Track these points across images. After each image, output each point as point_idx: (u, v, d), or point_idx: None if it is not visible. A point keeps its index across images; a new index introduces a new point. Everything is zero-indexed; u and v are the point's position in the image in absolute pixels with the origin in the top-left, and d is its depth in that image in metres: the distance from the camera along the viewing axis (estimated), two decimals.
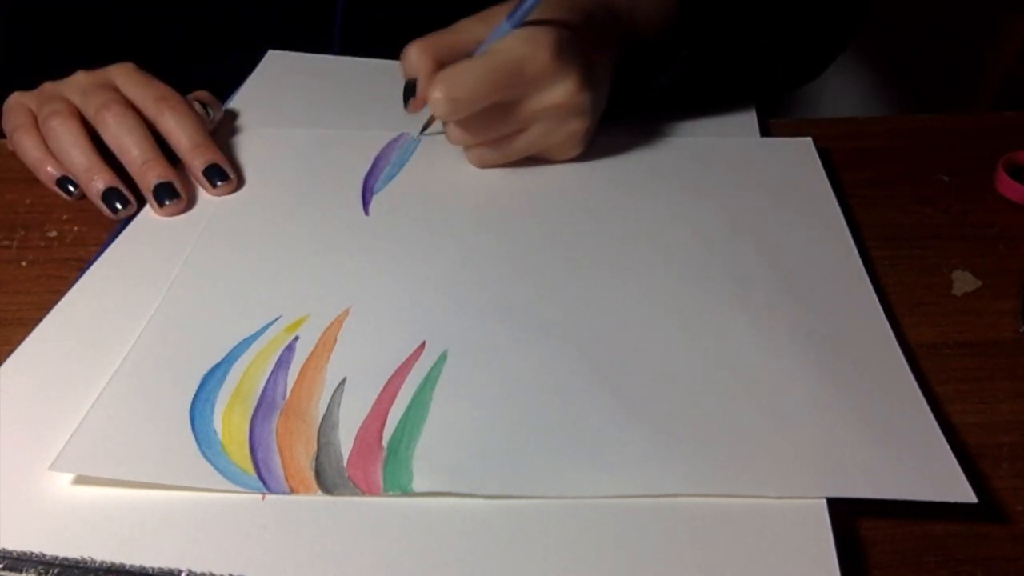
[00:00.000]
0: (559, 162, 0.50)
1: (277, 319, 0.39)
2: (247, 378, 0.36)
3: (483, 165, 0.49)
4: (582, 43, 0.46)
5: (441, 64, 0.45)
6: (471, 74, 0.44)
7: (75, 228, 0.47)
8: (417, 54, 0.46)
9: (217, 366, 0.36)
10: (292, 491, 0.31)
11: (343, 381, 0.36)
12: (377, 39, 0.60)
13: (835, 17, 0.60)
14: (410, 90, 0.47)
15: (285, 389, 0.35)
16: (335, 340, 0.38)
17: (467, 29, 0.47)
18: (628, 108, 0.53)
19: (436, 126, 0.51)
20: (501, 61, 0.44)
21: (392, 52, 0.48)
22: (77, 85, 0.49)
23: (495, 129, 0.47)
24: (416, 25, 0.48)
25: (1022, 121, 0.56)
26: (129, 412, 0.34)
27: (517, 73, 0.44)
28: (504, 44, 0.44)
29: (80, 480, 0.32)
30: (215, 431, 0.33)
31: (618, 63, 0.50)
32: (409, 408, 0.34)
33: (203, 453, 0.32)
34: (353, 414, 0.34)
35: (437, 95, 0.44)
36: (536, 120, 0.47)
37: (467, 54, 0.46)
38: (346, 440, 0.33)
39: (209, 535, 0.30)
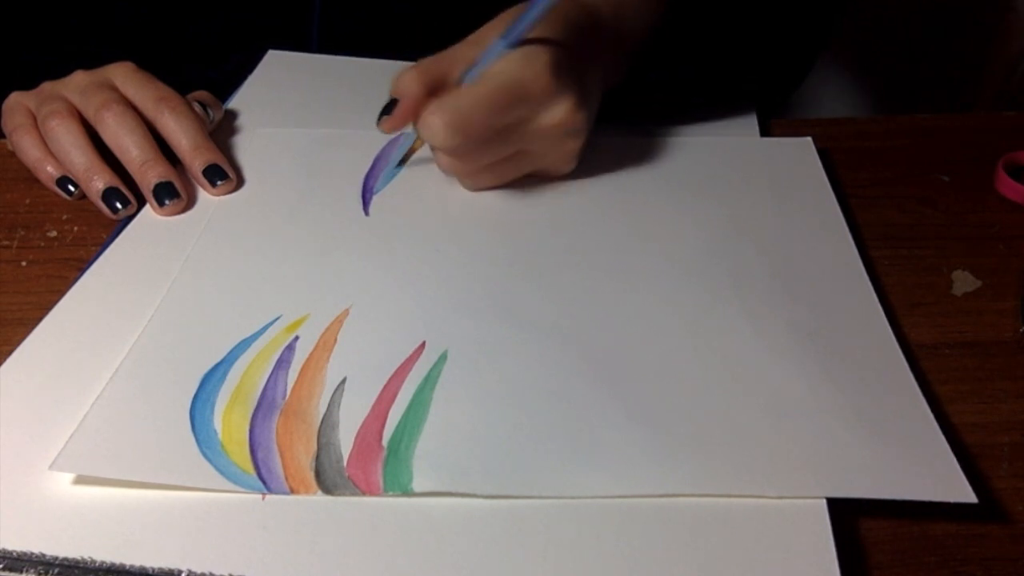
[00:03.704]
0: (553, 179, 0.49)
1: (277, 319, 0.39)
2: (247, 378, 0.36)
3: (477, 188, 0.48)
4: (574, 59, 0.45)
5: (433, 91, 0.44)
6: (471, 100, 0.42)
7: (75, 228, 0.47)
8: (410, 80, 0.44)
9: (217, 366, 0.36)
10: (292, 491, 0.31)
11: (343, 381, 0.36)
12: (376, 39, 0.60)
13: (813, 18, 0.60)
14: (387, 110, 0.45)
15: (285, 389, 0.35)
16: (335, 340, 0.38)
17: (462, 54, 0.45)
18: (620, 114, 0.52)
19: (418, 154, 0.50)
20: (500, 84, 0.42)
21: (370, 50, 0.47)
22: (76, 85, 0.49)
23: (491, 154, 0.45)
24: (394, 24, 0.47)
25: (1022, 121, 0.56)
26: (129, 412, 0.34)
27: (517, 96, 0.42)
28: (500, 67, 0.43)
29: (80, 480, 0.32)
30: (215, 431, 0.33)
31: (607, 74, 0.50)
32: (409, 408, 0.34)
33: (203, 453, 0.32)
34: (353, 414, 0.34)
35: (436, 122, 0.42)
36: (533, 141, 0.45)
37: (460, 80, 0.44)
38: (346, 440, 0.33)
39: (209, 535, 0.30)
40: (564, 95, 0.44)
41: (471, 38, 0.45)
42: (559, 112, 0.44)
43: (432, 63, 0.45)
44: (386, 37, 0.49)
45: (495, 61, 0.43)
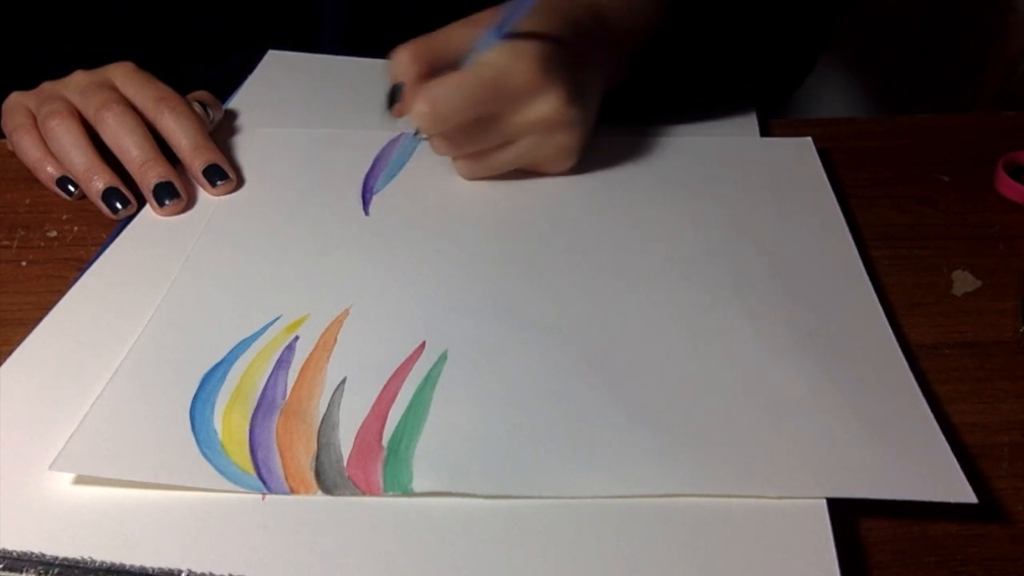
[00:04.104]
0: (552, 175, 0.49)
1: (277, 319, 0.39)
2: (247, 378, 0.36)
3: (471, 177, 0.49)
4: (570, 55, 0.45)
5: (430, 70, 0.45)
6: (454, 88, 0.43)
7: (75, 228, 0.47)
8: (407, 59, 0.45)
9: (217, 366, 0.36)
10: (292, 491, 0.31)
11: (343, 381, 0.36)
12: (377, 39, 0.60)
13: (813, 18, 0.60)
14: (395, 95, 0.46)
15: (285, 389, 0.35)
16: (335, 340, 0.38)
17: (458, 34, 0.46)
18: (620, 114, 0.52)
19: (417, 155, 0.51)
20: (484, 75, 0.43)
21: (371, 49, 0.48)
22: (76, 85, 0.49)
23: (479, 142, 0.46)
24: (416, 26, 0.48)
25: (1022, 121, 0.56)
26: (129, 412, 0.34)
27: (500, 87, 0.44)
28: (488, 58, 0.44)
29: (80, 480, 0.32)
30: (215, 431, 0.33)
31: (609, 73, 0.50)
32: (409, 408, 0.34)
33: (203, 453, 0.32)
34: (353, 414, 0.34)
35: (420, 108, 0.43)
36: (521, 134, 0.46)
37: (457, 60, 0.45)
38: (346, 440, 0.33)
39: (209, 535, 0.30)
40: (551, 90, 0.44)
41: (471, 18, 0.46)
42: (545, 106, 0.45)
43: (427, 42, 0.46)
44: (387, 37, 0.49)
45: (485, 52, 0.44)
